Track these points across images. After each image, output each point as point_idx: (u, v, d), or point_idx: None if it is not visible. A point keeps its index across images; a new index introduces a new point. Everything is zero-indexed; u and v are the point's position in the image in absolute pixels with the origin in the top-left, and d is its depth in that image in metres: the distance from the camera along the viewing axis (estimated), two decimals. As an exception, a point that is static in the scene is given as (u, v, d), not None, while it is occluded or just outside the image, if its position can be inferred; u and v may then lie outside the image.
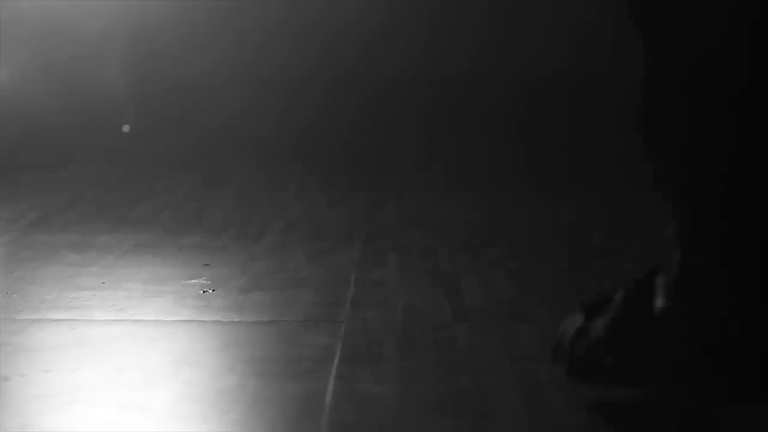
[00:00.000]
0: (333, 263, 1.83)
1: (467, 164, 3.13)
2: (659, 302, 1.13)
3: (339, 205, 2.44)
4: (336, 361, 1.28)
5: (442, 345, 1.36)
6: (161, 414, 1.11)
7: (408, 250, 1.93)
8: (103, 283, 1.67)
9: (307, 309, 1.53)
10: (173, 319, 1.47)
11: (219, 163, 3.12)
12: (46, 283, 1.67)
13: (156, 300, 1.57)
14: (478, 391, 1.19)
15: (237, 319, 1.47)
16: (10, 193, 2.56)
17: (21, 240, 2.01)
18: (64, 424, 1.07)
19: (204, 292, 1.61)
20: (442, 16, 3.66)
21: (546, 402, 1.16)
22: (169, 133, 3.35)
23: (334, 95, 3.52)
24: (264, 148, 3.31)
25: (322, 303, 1.56)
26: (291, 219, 2.26)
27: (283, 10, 3.58)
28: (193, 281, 1.68)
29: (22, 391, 1.17)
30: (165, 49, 3.54)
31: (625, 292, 1.16)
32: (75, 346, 1.34)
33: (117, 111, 3.44)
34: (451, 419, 1.10)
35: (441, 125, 3.53)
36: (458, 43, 3.67)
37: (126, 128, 3.36)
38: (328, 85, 3.53)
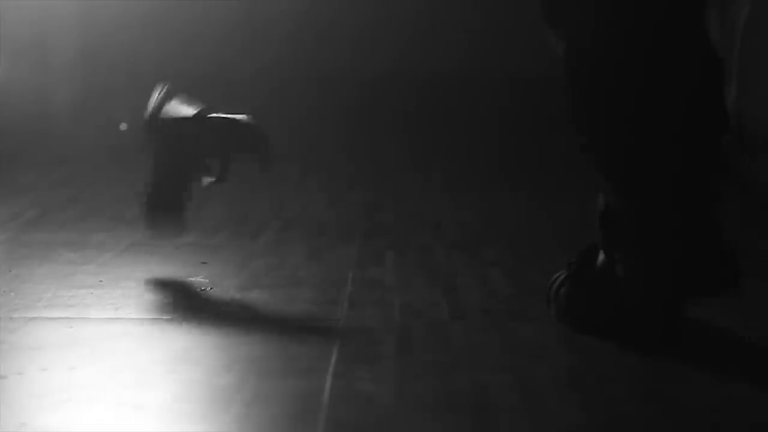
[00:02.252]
0: (331, 261, 1.83)
1: (464, 163, 3.13)
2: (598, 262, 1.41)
3: (337, 204, 2.44)
4: (333, 360, 1.28)
5: (439, 343, 1.36)
6: (159, 412, 1.11)
7: (405, 249, 1.93)
8: (101, 281, 1.67)
9: (304, 307, 1.53)
10: (171, 317, 1.47)
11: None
12: (43, 281, 1.66)
13: (153, 298, 1.56)
14: (476, 389, 1.19)
15: (234, 318, 1.47)
16: (8, 191, 2.56)
17: (18, 238, 2.00)
18: (61, 423, 1.07)
19: (202, 290, 1.61)
20: (435, 14, 3.67)
21: (544, 401, 1.16)
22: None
23: (322, 94, 3.51)
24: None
25: (320, 301, 1.56)
26: (288, 217, 2.25)
27: (275, 10, 3.58)
28: (190, 279, 1.68)
29: (20, 390, 1.17)
30: (160, 48, 3.54)
31: (579, 255, 1.43)
32: (72, 344, 1.34)
33: (114, 109, 3.44)
34: (449, 418, 1.10)
35: (435, 124, 3.53)
36: (455, 40, 3.67)
37: (123, 126, 3.36)
38: (317, 84, 3.53)
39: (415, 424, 1.09)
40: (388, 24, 3.63)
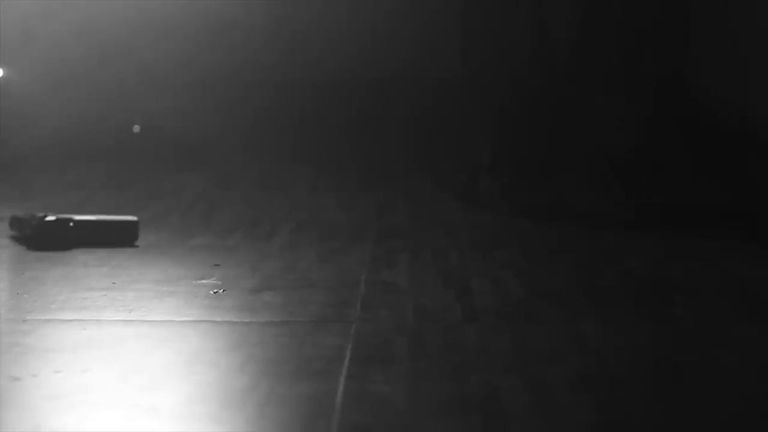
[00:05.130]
0: (344, 264, 1.83)
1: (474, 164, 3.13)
2: None
3: (349, 206, 2.44)
4: (347, 362, 1.28)
5: (452, 345, 1.36)
6: (173, 414, 1.11)
7: (418, 251, 1.93)
8: (114, 283, 1.67)
9: (318, 309, 1.53)
10: (184, 319, 1.47)
11: (227, 163, 3.13)
12: (57, 283, 1.67)
13: (166, 300, 1.57)
14: (489, 391, 1.19)
15: (248, 320, 1.47)
16: (20, 193, 2.57)
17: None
18: (75, 425, 1.08)
19: (215, 292, 1.62)
20: (444, 16, 3.66)
21: (557, 403, 1.16)
22: (176, 133, 3.36)
23: (331, 96, 3.51)
24: (271, 148, 3.32)
25: (333, 303, 1.56)
26: (301, 219, 2.26)
27: (282, 14, 3.58)
28: (203, 281, 1.68)
29: (34, 392, 1.17)
30: (169, 50, 3.55)
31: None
32: (86, 346, 1.34)
33: (127, 111, 3.45)
34: (462, 420, 1.10)
35: (440, 125, 3.53)
36: (462, 41, 3.67)
37: (136, 128, 3.36)
38: (326, 87, 3.54)
39: (427, 426, 1.09)
40: (395, 26, 3.63)
